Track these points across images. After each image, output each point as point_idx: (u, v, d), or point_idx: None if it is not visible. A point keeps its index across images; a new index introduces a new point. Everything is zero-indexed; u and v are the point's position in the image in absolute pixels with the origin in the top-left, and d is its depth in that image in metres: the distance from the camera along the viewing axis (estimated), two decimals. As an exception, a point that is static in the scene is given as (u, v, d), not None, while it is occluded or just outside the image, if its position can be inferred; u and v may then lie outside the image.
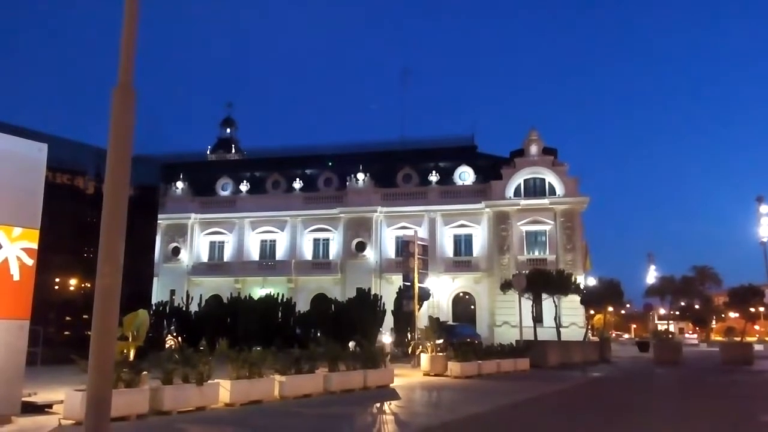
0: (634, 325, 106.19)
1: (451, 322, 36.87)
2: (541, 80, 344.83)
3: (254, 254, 51.42)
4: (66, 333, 17.95)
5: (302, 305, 28.35)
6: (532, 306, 34.30)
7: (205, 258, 52.25)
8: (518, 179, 46.52)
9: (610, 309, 56.58)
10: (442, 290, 45.13)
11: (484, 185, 47.79)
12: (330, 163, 53.17)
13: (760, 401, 14.44)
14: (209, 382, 9.43)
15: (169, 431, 7.81)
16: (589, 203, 46.17)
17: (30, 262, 7.75)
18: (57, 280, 18.45)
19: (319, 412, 10.02)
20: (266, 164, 55.73)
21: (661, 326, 59.19)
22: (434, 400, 12.74)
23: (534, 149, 47.12)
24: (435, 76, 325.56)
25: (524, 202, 45.74)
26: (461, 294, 46.95)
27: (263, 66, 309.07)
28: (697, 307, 61.28)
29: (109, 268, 4.55)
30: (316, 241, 50.67)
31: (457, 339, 22.95)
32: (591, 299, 35.95)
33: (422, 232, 42.34)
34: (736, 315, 56.53)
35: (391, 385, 14.03)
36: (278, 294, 24.93)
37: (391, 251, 47.95)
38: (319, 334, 20.66)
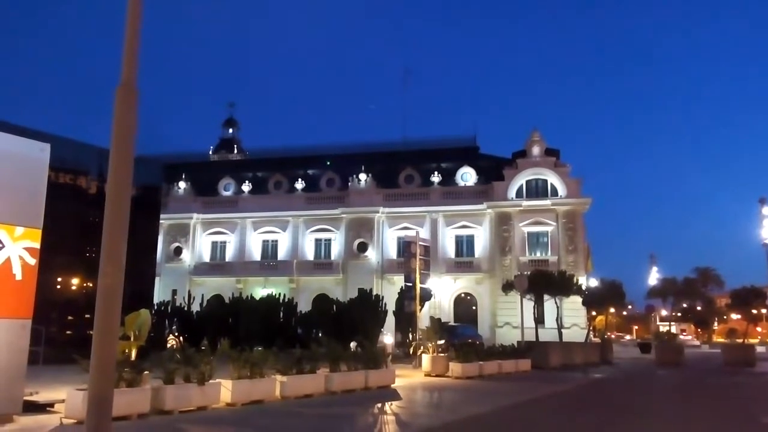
0: (636, 327, 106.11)
1: (452, 323, 36.86)
2: (543, 81, 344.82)
3: (256, 254, 51.46)
4: (68, 332, 17.98)
5: (304, 305, 28.33)
6: (534, 307, 34.23)
7: (207, 258, 52.30)
8: (520, 180, 46.50)
9: (612, 310, 56.60)
10: (443, 291, 45.12)
11: (486, 186, 47.78)
12: (331, 164, 53.20)
13: (761, 403, 14.42)
14: (211, 381, 9.44)
15: (170, 431, 7.81)
16: (591, 204, 46.14)
17: (32, 261, 7.76)
18: (59, 279, 18.48)
19: (321, 412, 10.02)
20: (268, 164, 55.79)
21: (663, 328, 59.16)
22: (435, 400, 12.74)
23: (536, 150, 47.09)
24: (437, 76, 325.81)
25: (526, 203, 45.71)
26: (463, 295, 46.93)
27: (265, 66, 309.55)
28: (699, 308, 61.11)
29: (111, 268, 4.56)
30: (317, 241, 50.69)
31: (459, 340, 22.95)
32: (593, 300, 35.93)
33: (424, 233, 42.33)
34: (738, 317, 56.45)
35: (392, 385, 14.03)
36: (280, 294, 24.92)
37: (392, 252, 47.95)
38: (320, 335, 20.63)
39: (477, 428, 9.42)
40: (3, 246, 7.50)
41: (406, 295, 23.79)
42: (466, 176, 49.71)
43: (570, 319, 39.37)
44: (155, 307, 21.50)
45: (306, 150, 55.33)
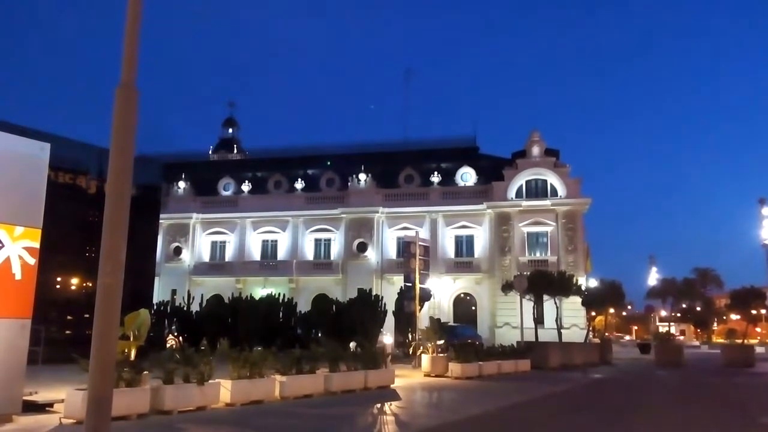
0: (636, 327, 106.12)
1: (452, 323, 36.85)
2: (542, 81, 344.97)
3: (255, 254, 51.45)
4: (67, 332, 17.97)
5: (303, 305, 28.33)
6: (533, 307, 34.26)
7: (206, 258, 52.29)
8: (520, 180, 46.50)
9: (612, 311, 56.61)
10: (443, 291, 45.12)
11: (486, 186, 47.78)
12: (331, 164, 53.21)
13: (761, 403, 14.42)
14: (210, 381, 9.44)
15: (169, 431, 7.81)
16: (590, 204, 46.15)
17: (32, 261, 7.76)
18: (59, 279, 18.47)
19: (320, 412, 10.02)
20: (268, 164, 55.79)
21: (663, 328, 59.13)
22: (435, 400, 12.74)
23: (536, 150, 47.10)
24: (437, 76, 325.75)
25: (526, 203, 45.72)
26: (462, 295, 46.93)
27: (265, 66, 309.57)
28: (698, 309, 61.16)
29: (110, 268, 4.56)
30: (317, 241, 50.69)
31: (458, 340, 22.95)
32: (592, 301, 35.93)
33: (423, 233, 42.33)
34: (738, 317, 56.46)
35: (391, 385, 14.03)
36: (279, 294, 24.94)
37: (392, 252, 47.95)
38: (320, 335, 20.67)
39: (476, 428, 9.43)
40: (2, 245, 7.49)
41: (405, 295, 23.79)
42: (466, 176, 49.72)
43: (569, 319, 39.36)
44: (155, 307, 21.51)
45: (306, 150, 55.33)
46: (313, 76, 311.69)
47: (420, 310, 23.23)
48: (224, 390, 9.75)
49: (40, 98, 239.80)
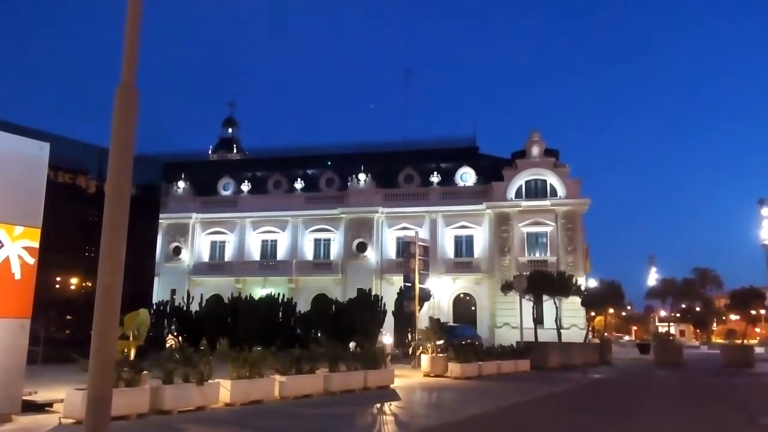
0: (635, 327, 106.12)
1: (451, 323, 36.85)
2: (542, 81, 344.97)
3: (255, 254, 51.45)
4: (67, 332, 17.98)
5: (303, 305, 28.35)
6: (533, 307, 34.29)
7: (206, 258, 52.29)
8: (519, 180, 46.52)
9: (611, 311, 56.60)
10: (442, 291, 45.12)
11: (486, 186, 47.79)
12: (331, 163, 53.22)
13: (760, 404, 14.43)
14: (210, 381, 9.44)
15: (169, 431, 7.81)
16: (590, 205, 46.18)
17: (31, 260, 7.76)
18: (58, 279, 18.47)
19: (320, 412, 10.03)
20: (268, 164, 55.80)
21: (662, 328, 59.15)
22: (434, 401, 12.75)
23: (535, 151, 47.13)
24: (437, 76, 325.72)
25: (525, 203, 45.74)
26: (462, 295, 46.94)
27: (265, 66, 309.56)
28: (698, 309, 61.21)
29: (110, 267, 4.56)
30: (317, 241, 50.70)
31: (458, 340, 22.96)
32: (592, 301, 35.96)
33: (423, 233, 42.35)
34: (737, 317, 56.49)
35: (391, 385, 14.03)
36: (279, 294, 24.94)
37: (392, 252, 47.96)
38: (319, 335, 20.67)
39: (476, 429, 9.43)
40: (2, 245, 7.49)
41: (405, 296, 23.80)
42: (466, 176, 49.74)
43: (569, 319, 39.37)
44: (154, 307, 21.51)
45: (306, 150, 55.34)
46: (313, 76, 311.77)
47: (419, 310, 23.23)
48: (224, 390, 9.75)
49: (40, 98, 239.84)
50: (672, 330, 53.62)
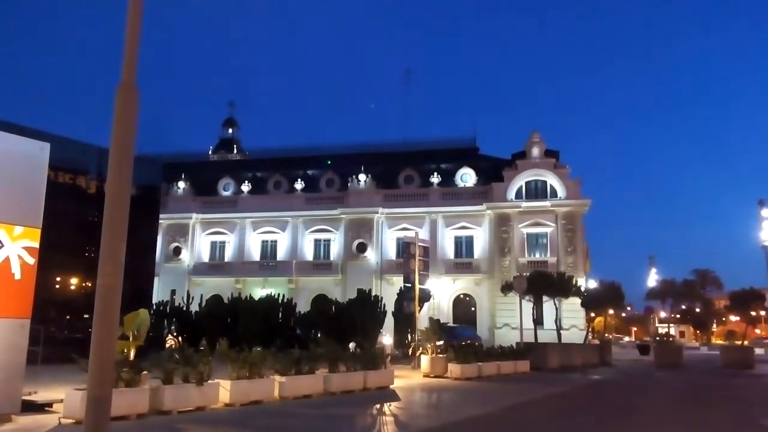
0: (635, 328, 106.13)
1: (451, 324, 36.87)
2: (542, 82, 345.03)
3: (255, 254, 51.46)
4: (67, 332, 17.96)
5: (303, 306, 28.33)
6: (533, 308, 34.26)
7: (206, 258, 52.31)
8: (520, 181, 46.53)
9: (611, 312, 56.56)
10: (442, 292, 45.13)
11: (486, 187, 47.81)
12: (331, 164, 53.23)
13: (760, 405, 14.42)
14: (209, 382, 9.44)
15: (169, 431, 7.81)
16: (590, 206, 46.18)
17: (31, 261, 7.75)
18: (58, 279, 18.46)
19: (319, 412, 10.02)
20: (268, 164, 55.82)
21: (662, 329, 59.09)
22: (434, 401, 12.74)
23: (536, 151, 47.13)
24: (437, 77, 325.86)
25: (525, 204, 45.74)
26: (462, 296, 46.95)
27: (265, 66, 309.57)
28: (698, 310, 61.12)
29: (110, 268, 4.56)
30: (317, 241, 50.71)
31: (458, 341, 22.93)
32: (592, 302, 35.93)
33: (423, 234, 42.40)
34: (737, 319, 56.43)
35: (391, 386, 14.03)
36: (279, 294, 24.92)
37: (392, 252, 47.97)
38: (319, 335, 20.64)
39: (476, 429, 9.43)
40: (2, 245, 7.49)
41: (405, 296, 23.80)
42: (466, 177, 49.75)
43: (569, 320, 39.38)
44: (154, 307, 21.49)
45: (306, 150, 55.39)
46: (314, 77, 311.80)
47: (419, 310, 23.23)
48: (223, 390, 9.75)
49: (40, 98, 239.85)
50: (672, 331, 53.51)
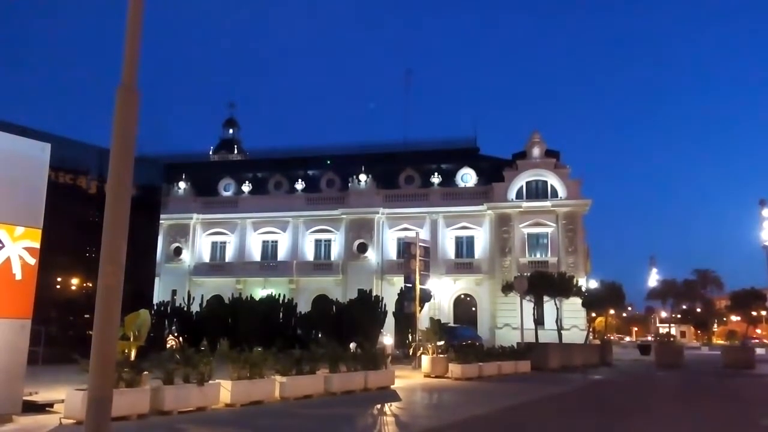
0: (636, 328, 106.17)
1: (452, 324, 36.84)
2: (543, 82, 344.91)
3: (256, 255, 51.45)
4: (68, 332, 17.95)
5: (303, 306, 28.29)
6: (534, 308, 34.25)
7: (206, 258, 52.30)
8: (520, 181, 46.50)
9: (612, 312, 56.60)
10: (443, 292, 45.10)
11: (486, 187, 47.78)
12: (332, 164, 53.19)
13: (761, 405, 14.41)
14: (210, 382, 9.44)
15: (169, 431, 7.81)
16: (591, 206, 46.14)
17: (32, 261, 7.76)
18: (59, 279, 18.47)
19: (320, 413, 10.02)
20: (268, 165, 55.79)
21: (663, 329, 59.09)
22: (435, 401, 12.74)
23: (536, 151, 47.10)
24: (437, 77, 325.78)
25: (526, 204, 45.71)
26: (462, 296, 46.92)
27: (265, 66, 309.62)
28: (698, 310, 61.15)
29: (111, 268, 4.56)
30: (317, 242, 50.69)
31: (458, 341, 22.94)
32: (592, 302, 35.93)
33: (424, 234, 42.36)
34: (738, 318, 56.48)
35: (391, 386, 14.02)
36: (279, 295, 24.90)
37: (392, 253, 47.94)
38: (320, 335, 20.64)
39: (476, 430, 9.43)
40: (3, 246, 7.50)
41: (405, 296, 23.78)
42: (466, 177, 49.72)
43: (569, 320, 39.36)
44: (155, 308, 21.47)
45: (306, 150, 55.36)
46: (313, 76, 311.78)
47: (420, 311, 23.22)
48: (224, 390, 9.75)
49: (40, 98, 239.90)
50: (673, 331, 53.50)
